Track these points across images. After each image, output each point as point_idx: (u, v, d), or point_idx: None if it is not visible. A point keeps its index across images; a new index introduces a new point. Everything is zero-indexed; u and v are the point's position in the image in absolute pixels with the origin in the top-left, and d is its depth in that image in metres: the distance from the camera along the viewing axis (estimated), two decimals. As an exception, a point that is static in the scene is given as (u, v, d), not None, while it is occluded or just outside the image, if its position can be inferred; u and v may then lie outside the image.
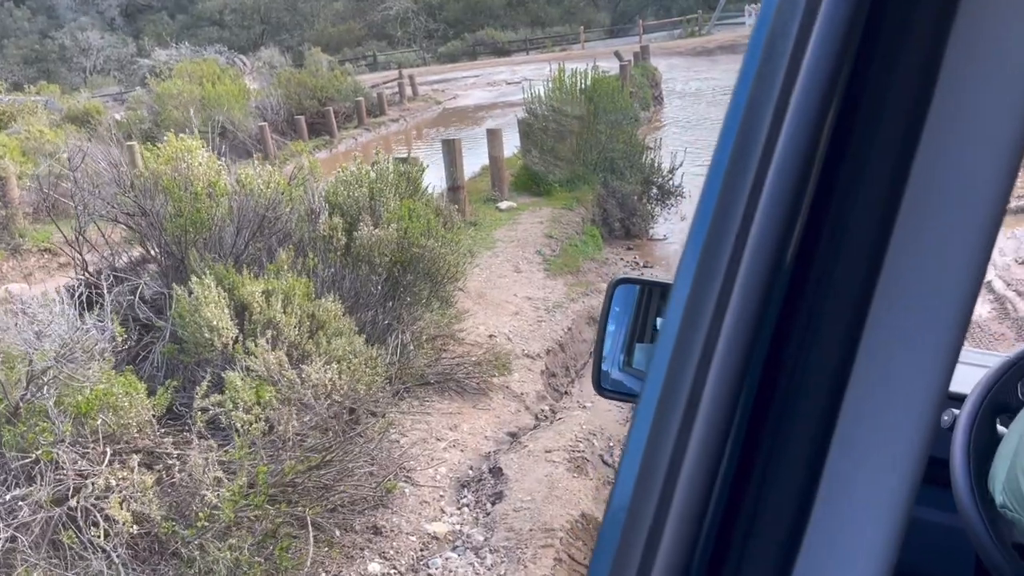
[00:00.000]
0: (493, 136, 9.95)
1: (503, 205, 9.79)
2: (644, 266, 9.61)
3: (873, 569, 0.36)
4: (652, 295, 1.35)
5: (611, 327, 1.36)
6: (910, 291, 0.37)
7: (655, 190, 10.94)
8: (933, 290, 0.36)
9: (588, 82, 10.79)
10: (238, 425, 3.11)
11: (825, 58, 0.36)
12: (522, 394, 5.33)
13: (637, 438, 0.39)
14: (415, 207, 5.39)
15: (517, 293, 7.12)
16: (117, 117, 21.39)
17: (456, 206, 8.87)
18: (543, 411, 5.41)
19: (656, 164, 11.04)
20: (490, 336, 6.02)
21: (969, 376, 1.00)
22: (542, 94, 10.76)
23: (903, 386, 0.37)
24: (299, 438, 3.42)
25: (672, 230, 10.65)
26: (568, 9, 51.86)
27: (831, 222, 0.37)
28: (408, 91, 24.70)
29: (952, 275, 0.36)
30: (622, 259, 9.81)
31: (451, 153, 8.76)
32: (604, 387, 1.36)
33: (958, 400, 0.99)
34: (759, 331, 0.37)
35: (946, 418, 1.03)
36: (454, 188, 8.93)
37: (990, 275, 7.90)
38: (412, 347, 5.05)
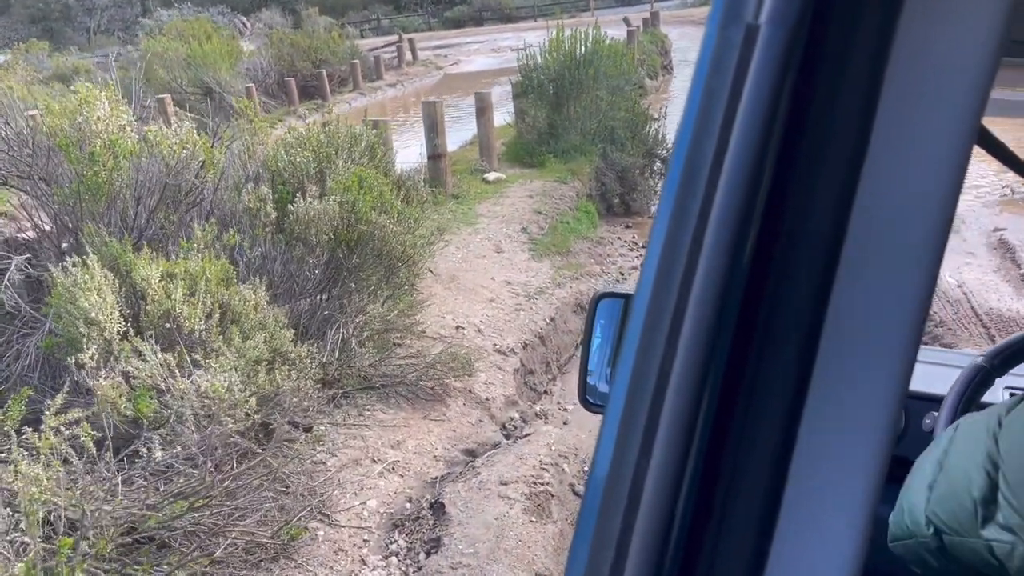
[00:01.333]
0: (481, 101, 9.06)
1: (491, 176, 8.93)
2: (643, 247, 8.77)
3: (842, 569, 0.37)
4: None
5: (596, 340, 1.38)
6: (867, 291, 0.37)
7: (658, 164, 10.05)
8: (889, 291, 0.37)
9: (588, 44, 9.84)
10: (45, 450, 2.32)
11: (774, 62, 0.36)
12: (487, 399, 4.54)
13: (605, 445, 0.40)
14: (366, 176, 4.56)
15: (495, 276, 6.31)
16: (109, 78, 20.55)
17: (437, 177, 8.03)
18: (512, 420, 4.63)
19: (660, 135, 10.14)
20: (457, 328, 5.22)
21: (948, 377, 1.09)
22: (538, 57, 9.83)
23: (864, 385, 0.37)
24: (163, 471, 2.64)
25: (676, 208, 9.78)
26: (580, -25, 50.38)
27: (786, 225, 0.37)
28: (408, 56, 23.65)
29: (906, 276, 0.37)
30: (619, 238, 8.97)
31: (432, 117, 7.89)
32: (590, 401, 1.36)
33: (938, 402, 1.08)
34: (719, 335, 0.37)
35: (928, 421, 1.16)
36: (435, 157, 8.08)
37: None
38: (355, 343, 4.25)
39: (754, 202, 0.36)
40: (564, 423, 5.22)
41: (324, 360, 4.11)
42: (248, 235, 4.18)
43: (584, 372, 1.37)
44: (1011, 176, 9.90)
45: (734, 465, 0.38)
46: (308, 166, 4.63)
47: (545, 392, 5.66)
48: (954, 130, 0.37)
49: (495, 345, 5.19)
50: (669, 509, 0.37)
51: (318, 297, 4.32)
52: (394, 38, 27.66)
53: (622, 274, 7.71)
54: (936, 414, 1.08)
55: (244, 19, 35.49)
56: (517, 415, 4.69)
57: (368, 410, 3.98)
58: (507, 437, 4.45)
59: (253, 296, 3.79)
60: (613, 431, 0.39)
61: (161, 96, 14.62)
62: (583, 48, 9.75)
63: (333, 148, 4.77)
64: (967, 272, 7.16)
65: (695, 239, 0.37)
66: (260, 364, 3.67)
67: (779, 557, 0.37)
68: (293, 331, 4.01)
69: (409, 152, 10.30)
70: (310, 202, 4.20)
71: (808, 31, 0.36)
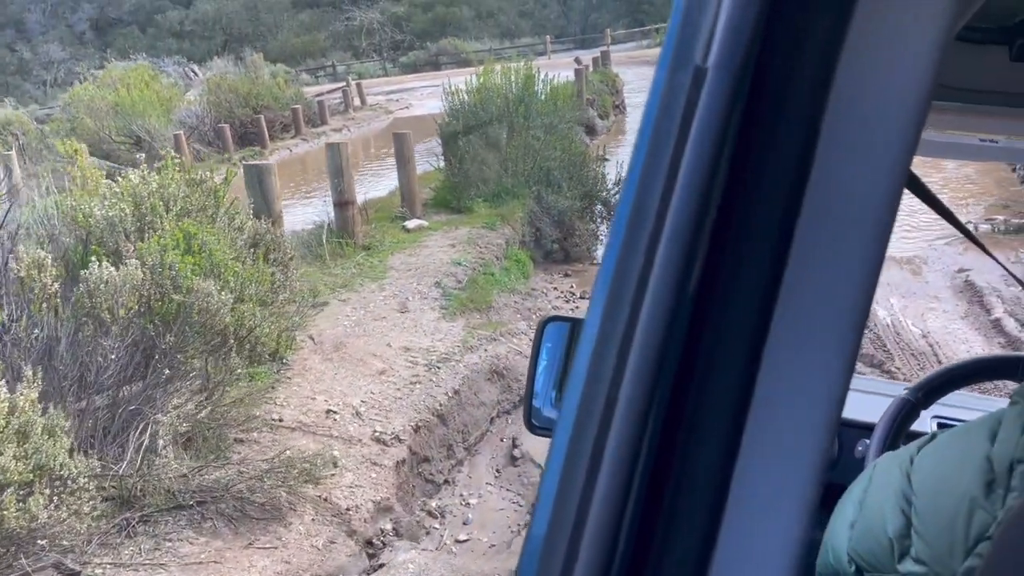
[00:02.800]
0: (400, 142, 8.26)
1: (411, 224, 8.09)
2: (581, 297, 7.95)
3: (791, 539, 0.38)
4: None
5: (543, 364, 1.37)
6: (804, 330, 0.39)
7: (599, 206, 9.31)
8: (824, 329, 0.39)
9: (520, 79, 9.15)
10: None
11: (720, 104, 0.38)
12: (349, 509, 3.60)
13: (553, 469, 0.41)
14: (196, 232, 3.67)
15: (393, 342, 5.41)
16: (44, 127, 19.59)
17: (345, 227, 7.17)
18: (382, 534, 3.69)
19: (600, 176, 9.42)
20: (327, 413, 4.30)
21: (882, 405, 1.14)
22: (464, 95, 9.10)
23: (799, 414, 0.39)
24: None
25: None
26: (539, 22, 50.76)
27: (730, 261, 0.39)
28: (356, 100, 23.01)
29: (840, 316, 0.39)
30: (555, 289, 8.15)
31: (336, 160, 7.06)
32: (535, 424, 1.36)
33: (871, 429, 1.13)
34: (664, 363, 0.38)
35: (860, 448, 1.18)
36: (342, 204, 7.22)
37: (999, 312, 6.31)
38: (167, 447, 3.32)
39: (699, 237, 0.38)
40: (464, 523, 4.30)
41: (121, 473, 3.17)
42: (24, 311, 3.25)
43: (529, 396, 1.34)
44: (974, 213, 9.32)
45: (676, 490, 0.39)
46: (125, 222, 3.73)
47: (447, 482, 4.73)
48: (886, 173, 0.39)
49: (375, 432, 4.27)
50: (613, 534, 0.38)
51: (122, 390, 3.38)
52: (344, 83, 27.07)
53: (553, 330, 6.86)
54: (868, 442, 1.12)
55: (195, 68, 34.82)
56: (390, 526, 3.76)
57: (170, 540, 3.03)
58: (371, 558, 3.51)
59: (7, 396, 2.85)
60: (561, 455, 0.40)
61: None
62: (512, 85, 9.05)
63: (161, 199, 3.88)
64: (932, 319, 6.40)
65: (643, 270, 0.39)
66: (7, 489, 2.73)
67: None
68: (75, 438, 3.08)
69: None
70: (105, 269, 3.28)
71: (752, 75, 0.38)
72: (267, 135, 17.90)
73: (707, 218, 0.38)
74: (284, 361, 4.65)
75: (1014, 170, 10.03)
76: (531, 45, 40.43)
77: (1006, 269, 1.36)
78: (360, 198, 10.54)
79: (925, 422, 1.31)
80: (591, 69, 18.74)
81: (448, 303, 6.28)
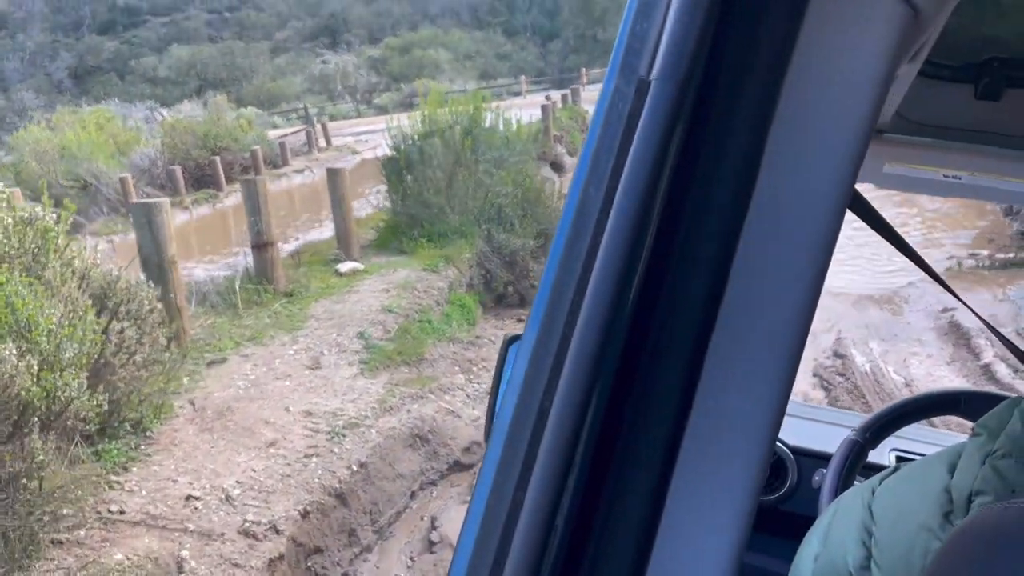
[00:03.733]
0: (335, 179, 7.59)
1: (344, 267, 7.36)
2: (533, 345, 7.21)
3: (727, 543, 0.38)
4: None
5: (505, 383, 1.13)
6: (744, 342, 0.38)
7: (555, 245, 8.62)
8: (763, 343, 0.39)
9: (469, 110, 8.54)
10: None
11: (663, 114, 0.37)
12: (183, 635, 2.81)
13: (485, 475, 0.40)
14: (1, 281, 2.92)
15: (294, 405, 4.64)
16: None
17: (264, 271, 6.43)
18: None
19: (558, 212, 8.76)
20: (188, 499, 3.51)
21: (839, 436, 1.15)
22: (406, 128, 8.47)
23: (735, 433, 0.38)
24: None
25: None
26: (517, 64, 51.03)
27: (670, 275, 0.38)
28: (321, 141, 22.47)
29: (780, 328, 0.39)
30: (505, 334, 7.42)
31: (253, 198, 6.35)
32: None
33: (826, 460, 1.14)
34: (599, 371, 0.38)
35: (816, 478, 1.19)
36: (260, 246, 6.49)
37: (988, 356, 5.63)
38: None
39: (638, 249, 0.37)
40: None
41: None
42: None
43: (491, 413, 1.34)
44: (956, 246, 8.74)
45: (609, 506, 0.38)
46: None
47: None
48: (829, 191, 0.39)
49: (245, 523, 3.48)
50: (541, 549, 0.37)
51: None
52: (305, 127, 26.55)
53: (496, 384, 6.11)
54: (824, 471, 1.12)
55: (163, 111, 34.31)
56: (242, 651, 2.95)
57: None
58: None
59: None
60: (493, 464, 0.40)
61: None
62: (458, 118, 8.43)
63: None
64: (915, 365, 5.72)
65: (580, 281, 0.38)
66: None
67: None
68: None
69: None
70: None
71: (698, 88, 0.37)
72: (223, 177, 17.22)
73: (647, 230, 0.37)
74: (148, 434, 3.88)
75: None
76: (507, 86, 40.35)
77: (960, 300, 1.24)
78: (301, 240, 9.84)
79: (884, 454, 1.34)
80: (560, 106, 18.31)
81: (371, 356, 5.53)
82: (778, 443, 1.46)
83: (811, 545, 0.68)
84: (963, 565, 0.41)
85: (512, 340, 1.35)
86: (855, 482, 1.02)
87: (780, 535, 1.06)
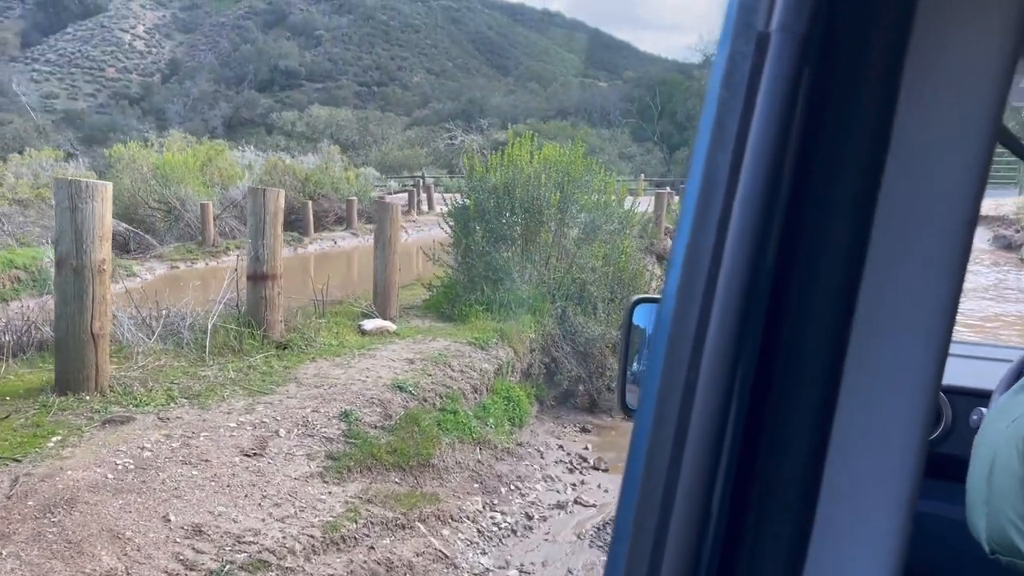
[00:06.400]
0: (383, 217, 6.10)
1: (370, 325, 5.75)
2: (595, 467, 5.29)
3: (883, 565, 0.36)
4: None
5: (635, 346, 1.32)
6: (895, 291, 0.37)
7: (646, 341, 6.75)
8: (917, 288, 0.37)
9: (563, 157, 6.95)
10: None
11: (786, 69, 0.35)
12: None
13: (637, 453, 0.39)
14: None
15: (181, 514, 2.91)
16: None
17: (258, 312, 4.89)
18: None
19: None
20: None
21: (997, 372, 1.04)
22: (484, 168, 6.95)
23: (895, 382, 0.37)
24: None
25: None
26: (639, 166, 50.16)
27: (808, 231, 0.36)
28: (424, 205, 21.62)
29: (933, 276, 0.37)
30: (561, 448, 5.54)
31: (258, 214, 4.89)
32: (630, 407, 1.30)
33: (986, 397, 1.06)
34: (744, 342, 0.36)
35: (975, 417, 1.13)
36: (258, 278, 4.98)
37: None
38: None
39: (773, 210, 0.36)
40: None
41: None
42: None
43: (623, 379, 1.29)
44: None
45: (766, 468, 0.37)
46: None
47: None
48: (974, 130, 0.37)
49: None
50: (702, 516, 0.37)
51: None
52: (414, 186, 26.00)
53: (528, 516, 4.21)
54: (984, 410, 1.08)
55: (283, 156, 35.06)
56: None
57: None
58: None
59: None
60: (644, 439, 0.39)
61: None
62: (549, 167, 6.84)
63: None
64: None
65: (716, 248, 0.37)
66: None
67: (817, 558, 0.36)
68: None
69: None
70: None
71: (821, 37, 0.35)
72: (312, 222, 16.38)
73: (780, 191, 0.36)
74: None
75: None
76: (625, 182, 39.27)
77: None
78: (347, 293, 8.34)
79: None
80: (677, 199, 16.63)
81: (346, 450, 3.79)
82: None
83: (979, 490, 0.66)
84: None
85: (640, 301, 1.28)
86: None
87: (939, 478, 0.99)
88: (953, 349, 1.22)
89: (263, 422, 3.83)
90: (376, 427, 4.14)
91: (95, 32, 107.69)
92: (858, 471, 0.36)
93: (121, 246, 14.32)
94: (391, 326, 5.84)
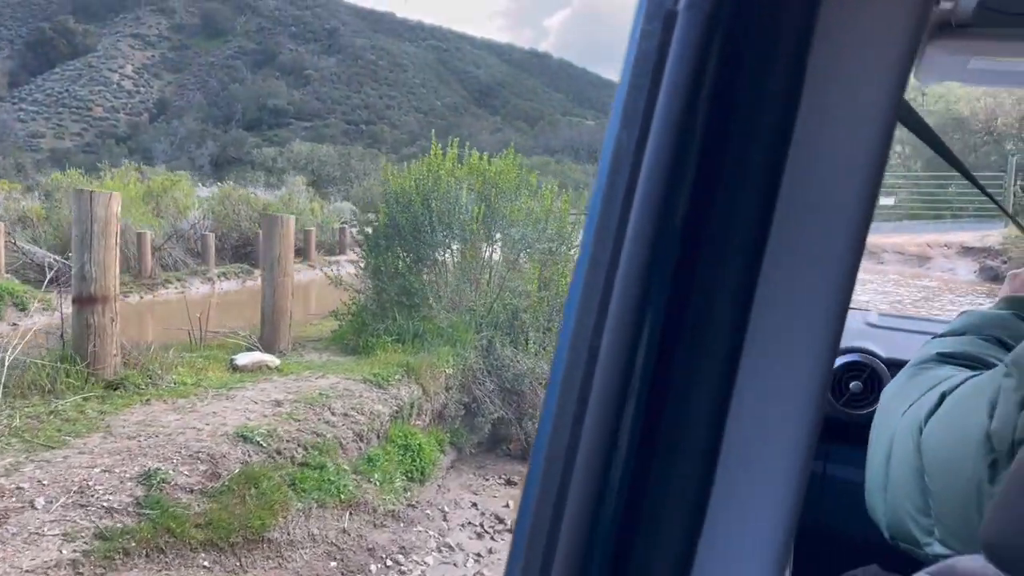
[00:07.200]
0: (270, 228, 5.18)
1: (243, 360, 4.79)
2: (511, 531, 4.29)
3: (777, 526, 0.37)
4: None
5: None
6: (796, 253, 0.37)
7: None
8: (822, 248, 0.37)
9: (492, 171, 6.07)
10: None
11: (692, 48, 0.35)
12: None
13: (536, 453, 0.40)
14: None
15: None
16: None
17: (83, 341, 3.93)
18: None
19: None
20: None
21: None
22: (398, 180, 6.07)
23: (793, 363, 0.37)
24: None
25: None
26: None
27: (716, 211, 0.36)
28: (391, 235, 20.68)
29: (831, 258, 0.37)
30: (474, 505, 4.57)
31: (83, 222, 3.95)
32: None
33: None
34: (645, 314, 0.36)
35: None
36: (84, 300, 4.03)
37: None
38: None
39: (677, 188, 0.36)
40: None
41: None
42: None
43: None
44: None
45: (662, 468, 0.37)
46: None
47: None
48: (880, 104, 0.37)
49: None
50: (597, 492, 0.37)
51: None
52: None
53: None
54: None
55: (259, 191, 34.29)
56: None
57: None
58: None
59: None
60: (547, 426, 0.39)
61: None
62: (471, 178, 5.95)
63: None
64: None
65: (619, 229, 0.36)
66: None
67: (713, 525, 0.37)
68: None
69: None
70: None
71: (730, 16, 0.35)
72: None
73: (684, 170, 0.35)
74: None
75: None
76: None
77: (1013, 220, 1.16)
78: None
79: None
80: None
81: (135, 524, 2.81)
82: (870, 355, 1.53)
83: (877, 474, 0.67)
84: None
85: None
86: None
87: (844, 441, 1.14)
88: (891, 323, 1.69)
89: (19, 488, 2.85)
90: (192, 491, 3.16)
91: (83, 72, 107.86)
92: (753, 448, 0.36)
93: (52, 279, 13.39)
94: (272, 360, 4.88)
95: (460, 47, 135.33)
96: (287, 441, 3.76)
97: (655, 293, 0.36)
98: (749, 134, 0.35)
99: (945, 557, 0.52)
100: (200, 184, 21.79)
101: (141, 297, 12.45)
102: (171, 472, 3.18)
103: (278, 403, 4.17)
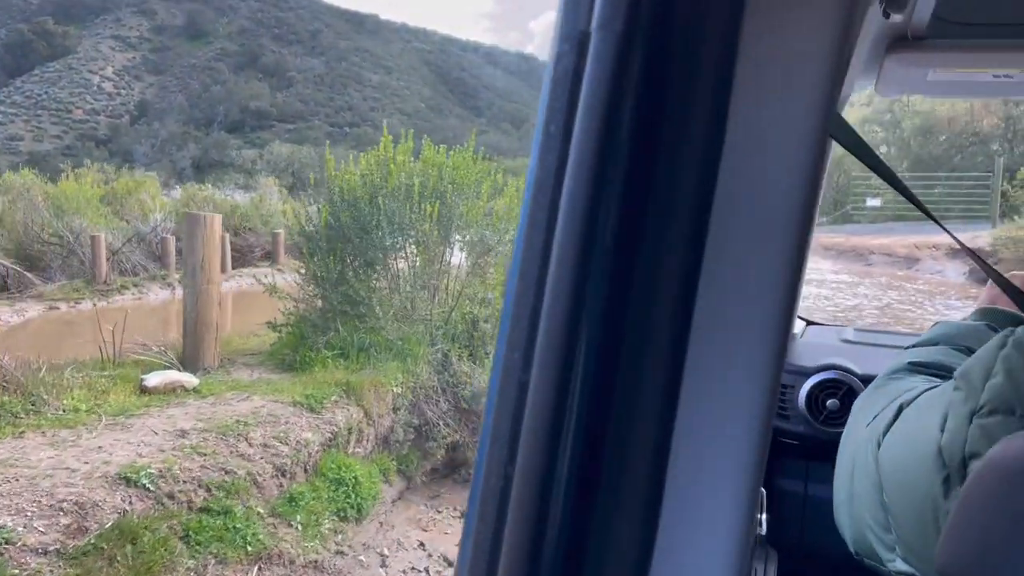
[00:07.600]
0: (192, 228, 4.57)
1: (154, 381, 4.17)
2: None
3: (729, 538, 0.36)
4: None
5: None
6: (736, 267, 0.36)
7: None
8: (759, 265, 0.36)
9: (447, 164, 5.48)
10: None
11: (605, 68, 0.34)
12: None
13: (484, 435, 0.39)
14: None
15: None
16: None
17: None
18: None
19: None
20: None
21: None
22: (343, 178, 5.47)
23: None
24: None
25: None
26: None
27: (645, 230, 0.35)
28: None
29: (772, 267, 0.36)
30: (426, 537, 3.97)
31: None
32: None
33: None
34: (577, 337, 0.35)
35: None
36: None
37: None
38: None
39: (599, 210, 0.34)
40: None
41: None
42: None
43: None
44: None
45: (611, 466, 0.35)
46: None
47: None
48: (809, 121, 0.36)
49: None
50: (540, 526, 0.35)
51: None
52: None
53: None
54: None
55: (238, 194, 33.57)
56: None
57: None
58: None
59: None
60: (487, 438, 0.38)
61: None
62: (425, 173, 5.36)
63: None
64: None
65: (544, 250, 0.35)
66: None
67: (667, 530, 0.36)
68: None
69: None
70: None
71: (647, 35, 0.34)
72: (230, 257, 14.78)
73: (608, 192, 0.34)
74: None
75: None
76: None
77: (946, 230, 0.98)
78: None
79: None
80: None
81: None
82: (846, 372, 1.49)
83: (842, 489, 0.65)
84: (986, 503, 0.41)
85: None
86: None
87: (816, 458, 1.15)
88: (868, 339, 1.66)
89: None
90: (46, 553, 2.54)
91: (63, 74, 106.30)
92: (704, 462, 0.35)
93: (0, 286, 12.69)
94: (190, 380, 4.26)
95: (445, 49, 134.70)
96: (184, 482, 3.15)
97: (586, 321, 0.34)
98: (675, 155, 0.34)
99: (909, 575, 0.53)
100: (179, 187, 21.02)
101: (94, 304, 11.76)
102: (20, 529, 2.56)
103: (183, 433, 3.56)
